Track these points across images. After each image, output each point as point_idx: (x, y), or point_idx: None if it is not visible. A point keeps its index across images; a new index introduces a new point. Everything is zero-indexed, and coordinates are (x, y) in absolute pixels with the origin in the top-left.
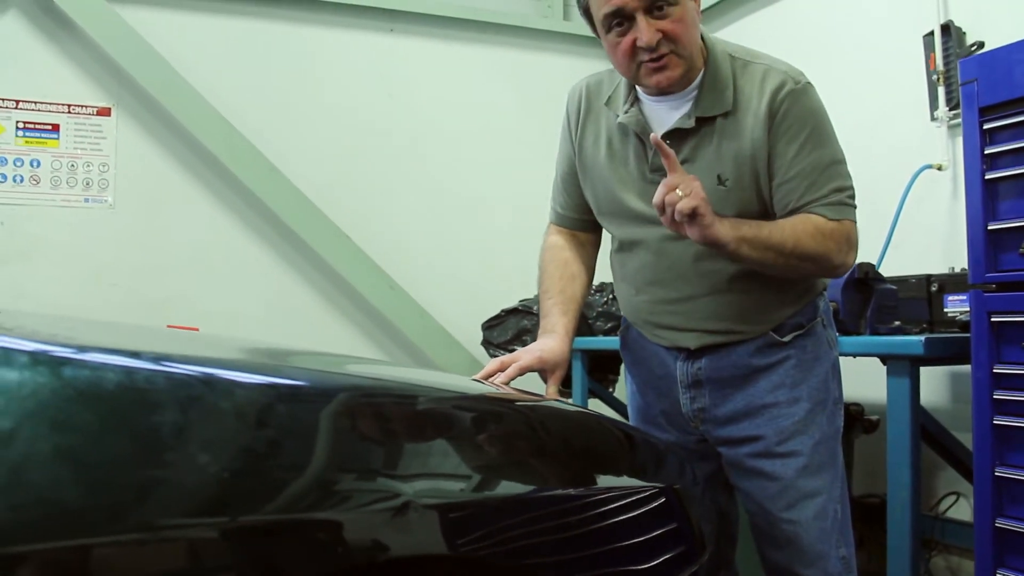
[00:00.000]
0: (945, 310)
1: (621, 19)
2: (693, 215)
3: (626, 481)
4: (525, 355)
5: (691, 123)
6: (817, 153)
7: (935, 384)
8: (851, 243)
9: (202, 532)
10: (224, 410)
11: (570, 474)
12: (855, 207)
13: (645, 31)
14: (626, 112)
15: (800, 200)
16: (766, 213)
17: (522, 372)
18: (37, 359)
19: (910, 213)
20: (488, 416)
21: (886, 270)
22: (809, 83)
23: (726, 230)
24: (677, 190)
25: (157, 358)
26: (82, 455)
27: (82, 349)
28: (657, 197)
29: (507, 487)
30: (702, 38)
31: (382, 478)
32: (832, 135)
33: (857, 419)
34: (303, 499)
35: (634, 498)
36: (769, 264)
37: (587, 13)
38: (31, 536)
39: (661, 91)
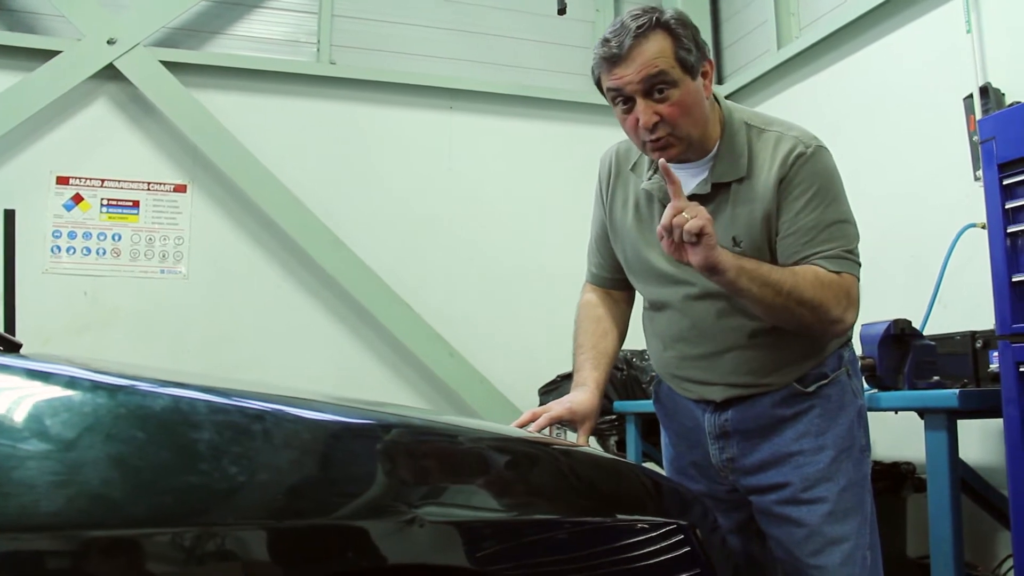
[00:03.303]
0: (990, 366)
1: (624, 99)
2: (700, 234)
3: (645, 517)
4: (556, 406)
5: (707, 189)
6: (820, 211)
7: (989, 443)
8: (851, 298)
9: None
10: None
11: (592, 506)
12: (859, 264)
13: (643, 114)
14: (649, 179)
15: (801, 252)
16: None
17: (552, 422)
18: (97, 386)
19: (957, 272)
20: (524, 454)
21: (934, 328)
22: (820, 147)
23: (727, 257)
24: (683, 212)
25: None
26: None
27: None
28: (665, 219)
29: (535, 513)
30: (720, 106)
31: (431, 499)
32: (840, 196)
33: (908, 477)
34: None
35: (651, 532)
36: (767, 303)
37: (599, 85)
38: (82, 523)
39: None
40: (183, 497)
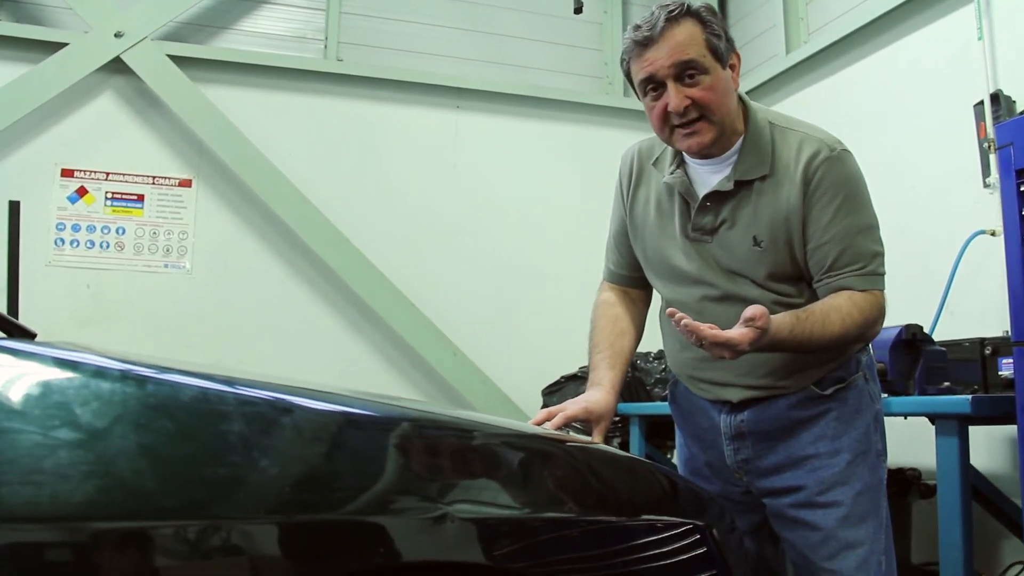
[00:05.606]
0: (1000, 373)
1: (655, 85)
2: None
3: (662, 517)
4: (572, 405)
5: (730, 186)
6: (851, 218)
7: (994, 449)
8: (882, 313)
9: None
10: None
11: (610, 505)
12: (884, 274)
13: (674, 97)
14: (672, 173)
15: (834, 265)
16: (797, 274)
17: (568, 421)
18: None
19: (966, 279)
20: (549, 452)
21: (942, 334)
22: (845, 150)
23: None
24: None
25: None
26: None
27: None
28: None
29: (556, 511)
30: (744, 104)
31: (461, 496)
32: (867, 201)
33: (914, 483)
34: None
35: (667, 531)
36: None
37: (628, 77)
38: (112, 514)
39: (696, 155)
40: (211, 489)
